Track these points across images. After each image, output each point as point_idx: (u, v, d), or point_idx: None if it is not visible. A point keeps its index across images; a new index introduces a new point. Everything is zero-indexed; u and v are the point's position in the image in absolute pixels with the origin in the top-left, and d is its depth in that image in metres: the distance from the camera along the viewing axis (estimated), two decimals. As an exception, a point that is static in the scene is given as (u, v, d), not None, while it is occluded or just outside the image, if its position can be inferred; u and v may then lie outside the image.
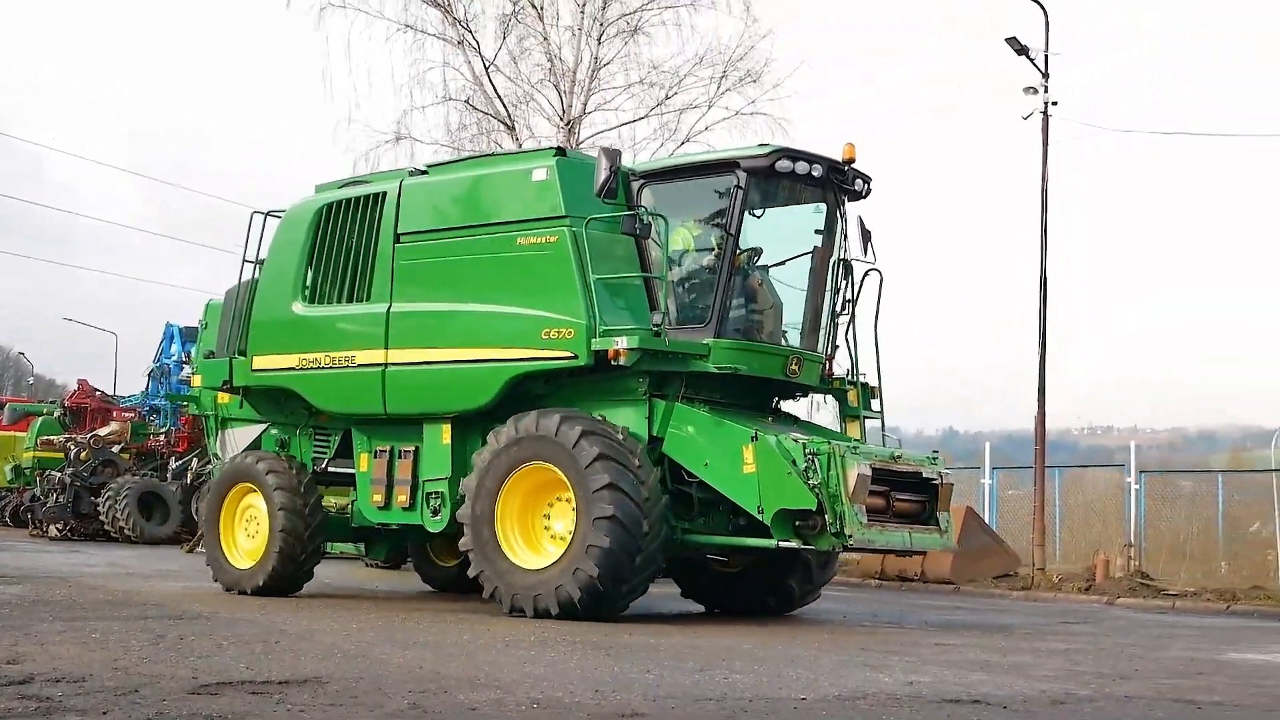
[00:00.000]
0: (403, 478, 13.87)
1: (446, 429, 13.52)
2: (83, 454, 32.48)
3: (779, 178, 12.99)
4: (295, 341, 14.50)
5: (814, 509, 11.61)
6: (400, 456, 13.92)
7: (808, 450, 11.73)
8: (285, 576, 14.34)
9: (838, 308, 13.84)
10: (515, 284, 12.93)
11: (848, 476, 11.69)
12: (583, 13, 28.40)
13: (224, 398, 16.09)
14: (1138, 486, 23.31)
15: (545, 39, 28.63)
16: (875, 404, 14.15)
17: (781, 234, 13.47)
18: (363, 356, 13.87)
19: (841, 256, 13.70)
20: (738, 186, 12.79)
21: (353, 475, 14.65)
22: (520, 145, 28.46)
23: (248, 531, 14.84)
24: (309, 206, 14.99)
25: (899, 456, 12.89)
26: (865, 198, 13.61)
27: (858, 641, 11.15)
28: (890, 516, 12.38)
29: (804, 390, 14.07)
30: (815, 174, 12.94)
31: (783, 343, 13.47)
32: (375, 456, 14.17)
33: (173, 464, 32.74)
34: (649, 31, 28.60)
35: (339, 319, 14.30)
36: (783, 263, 13.53)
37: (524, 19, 28.66)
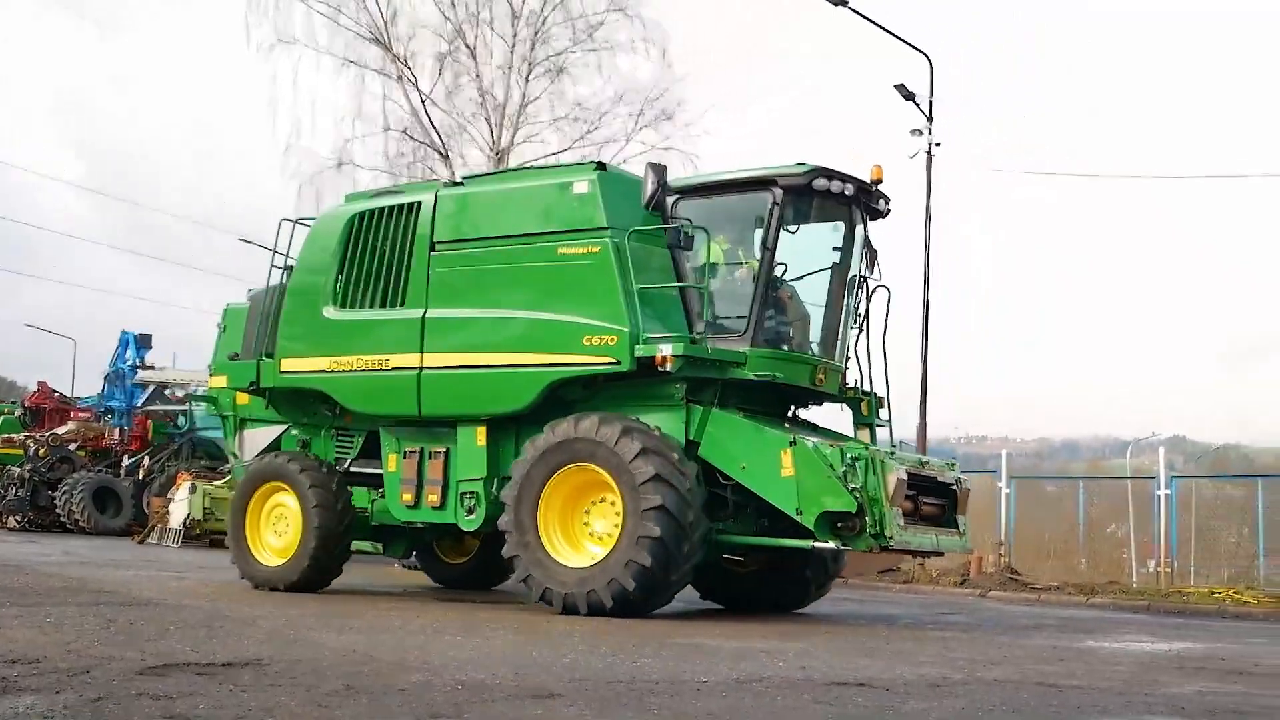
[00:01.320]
0: (434, 478, 13.32)
1: (482, 431, 13.04)
2: (41, 451, 32.14)
3: (814, 195, 12.57)
4: (326, 345, 13.91)
5: (853, 511, 11.23)
6: (431, 457, 13.36)
7: (849, 455, 11.38)
8: (319, 573, 13.76)
9: (853, 321, 13.38)
10: (555, 292, 12.49)
11: (887, 481, 11.39)
12: (513, 53, 28.55)
13: (243, 399, 15.47)
14: (1008, 491, 23.53)
15: (478, 76, 28.74)
16: (883, 413, 13.61)
17: (795, 250, 12.83)
18: (396, 360, 13.33)
19: (861, 273, 13.26)
20: (774, 203, 12.38)
21: (375, 475, 14.14)
22: (453, 173, 28.51)
23: (276, 530, 14.11)
24: (341, 214, 14.49)
25: (926, 462, 12.66)
26: (885, 217, 13.27)
27: (756, 631, 11.17)
28: (918, 519, 12.03)
29: (820, 399, 13.59)
30: (847, 193, 12.58)
31: (810, 353, 13.04)
32: (405, 457, 13.59)
33: (126, 461, 32.40)
34: (573, 72, 28.88)
35: (372, 323, 13.71)
36: (801, 277, 12.97)
37: (459, 57, 28.77)
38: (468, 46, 28.74)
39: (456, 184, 14.09)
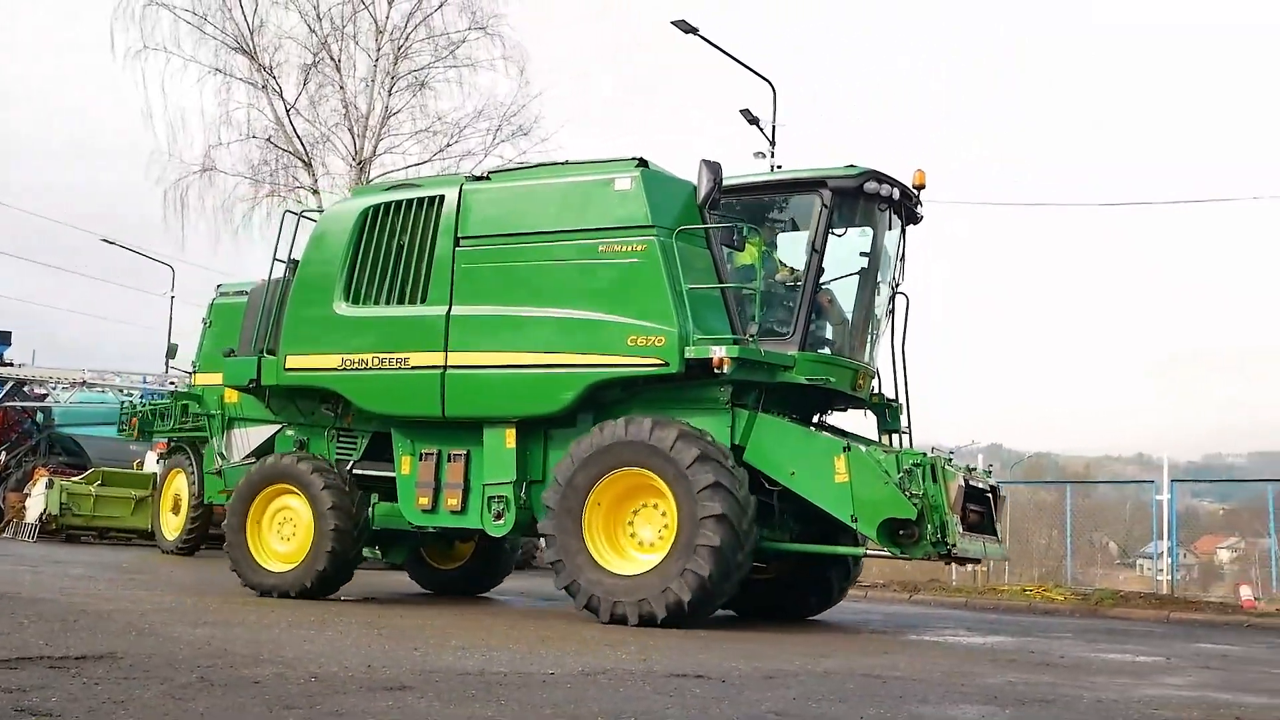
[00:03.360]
0: (453, 481, 12.35)
1: (511, 433, 12.04)
2: (-104, 446, 30.84)
3: (864, 199, 11.97)
4: (337, 342, 12.74)
5: (913, 519, 10.66)
6: (450, 460, 12.42)
7: (909, 461, 10.80)
8: (333, 578, 12.74)
9: (884, 327, 12.80)
10: (595, 290, 11.57)
11: (949, 488, 10.83)
12: (376, 67, 28.41)
13: (232, 397, 14.34)
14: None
15: (342, 88, 28.52)
16: (903, 419, 12.97)
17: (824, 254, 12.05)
18: (418, 358, 12.25)
19: (896, 278, 12.71)
20: (823, 205, 11.79)
21: (379, 478, 13.16)
22: (316, 181, 28.25)
23: (281, 534, 12.97)
24: (352, 207, 13.30)
25: (973, 469, 12.00)
26: (919, 222, 12.72)
27: (600, 626, 11.17)
28: (966, 527, 11.29)
29: (848, 404, 12.85)
30: (895, 197, 12.03)
31: (851, 357, 12.39)
32: (421, 459, 12.59)
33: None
34: (435, 87, 28.84)
35: (390, 320, 12.57)
36: (829, 281, 12.19)
37: (323, 69, 28.54)
38: (332, 59, 28.51)
39: (479, 178, 12.97)
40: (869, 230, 12.32)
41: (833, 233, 11.95)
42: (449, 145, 28.79)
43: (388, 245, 12.77)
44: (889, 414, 12.92)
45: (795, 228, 11.83)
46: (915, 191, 12.29)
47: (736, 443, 11.36)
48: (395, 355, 12.38)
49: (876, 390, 12.93)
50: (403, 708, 5.56)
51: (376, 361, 12.48)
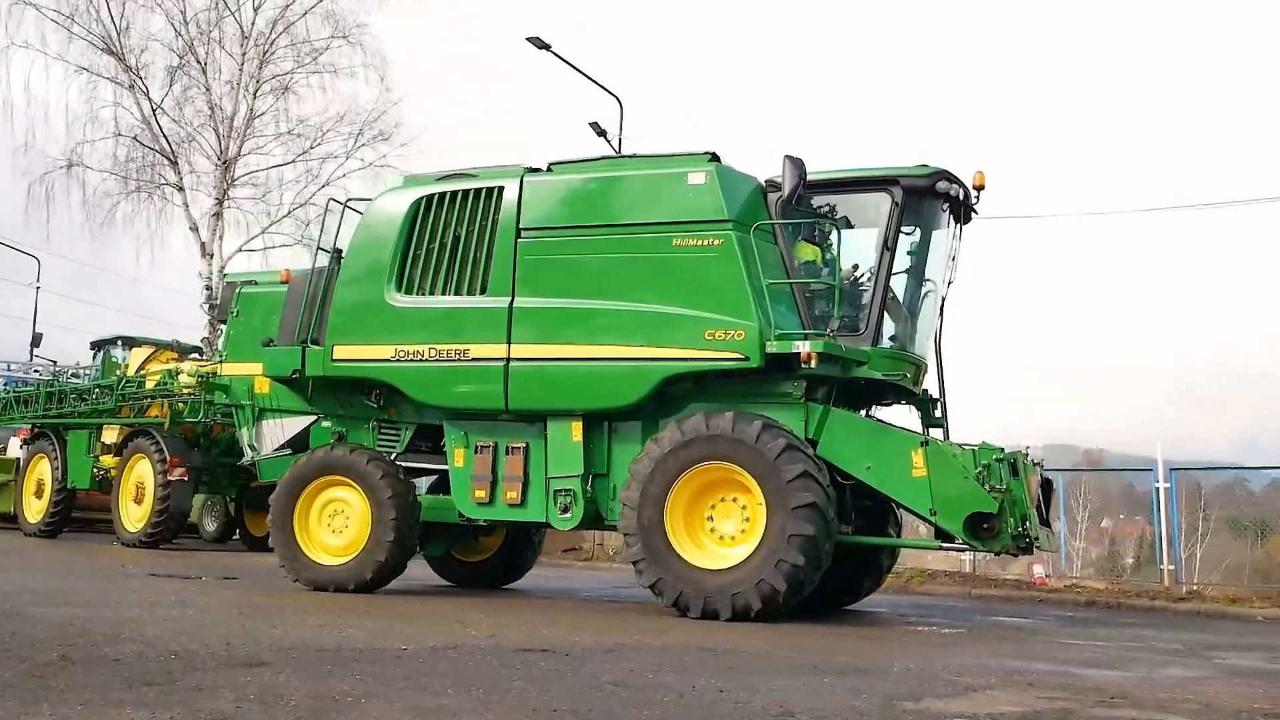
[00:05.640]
0: (513, 474, 11.60)
1: (578, 426, 11.35)
2: None
3: (934, 198, 11.40)
4: (390, 332, 11.90)
5: (994, 512, 10.20)
6: (508, 453, 11.67)
7: (991, 455, 10.32)
8: (392, 570, 11.87)
9: (938, 323, 12.17)
10: (668, 284, 10.93)
11: (1030, 483, 10.51)
12: (241, 70, 27.96)
13: (262, 386, 13.24)
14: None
15: (208, 90, 28.03)
16: (936, 413, 12.36)
17: (861, 246, 11.51)
18: (479, 350, 11.47)
19: (950, 277, 12.09)
20: (895, 203, 11.21)
21: (423, 470, 12.56)
22: (181, 179, 27.62)
23: (332, 527, 12.02)
24: (404, 196, 12.36)
25: (1039, 463, 11.43)
26: (969, 222, 12.07)
27: (450, 602, 11.12)
28: None
29: (895, 399, 12.25)
30: (962, 197, 11.54)
31: (912, 353, 11.78)
32: (477, 452, 11.82)
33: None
34: (298, 91, 28.55)
35: (448, 311, 11.75)
36: (860, 275, 11.53)
37: (189, 71, 28.05)
38: (198, 62, 27.97)
39: (538, 170, 12.04)
40: (931, 228, 11.85)
41: (903, 231, 11.44)
42: (312, 147, 28.49)
43: (443, 235, 12.02)
44: (929, 408, 12.41)
45: (849, 225, 11.18)
46: (976, 192, 11.76)
47: (810, 436, 10.88)
48: (454, 347, 11.63)
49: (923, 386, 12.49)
50: (260, 682, 5.47)
51: (433, 353, 11.71)
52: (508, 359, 11.38)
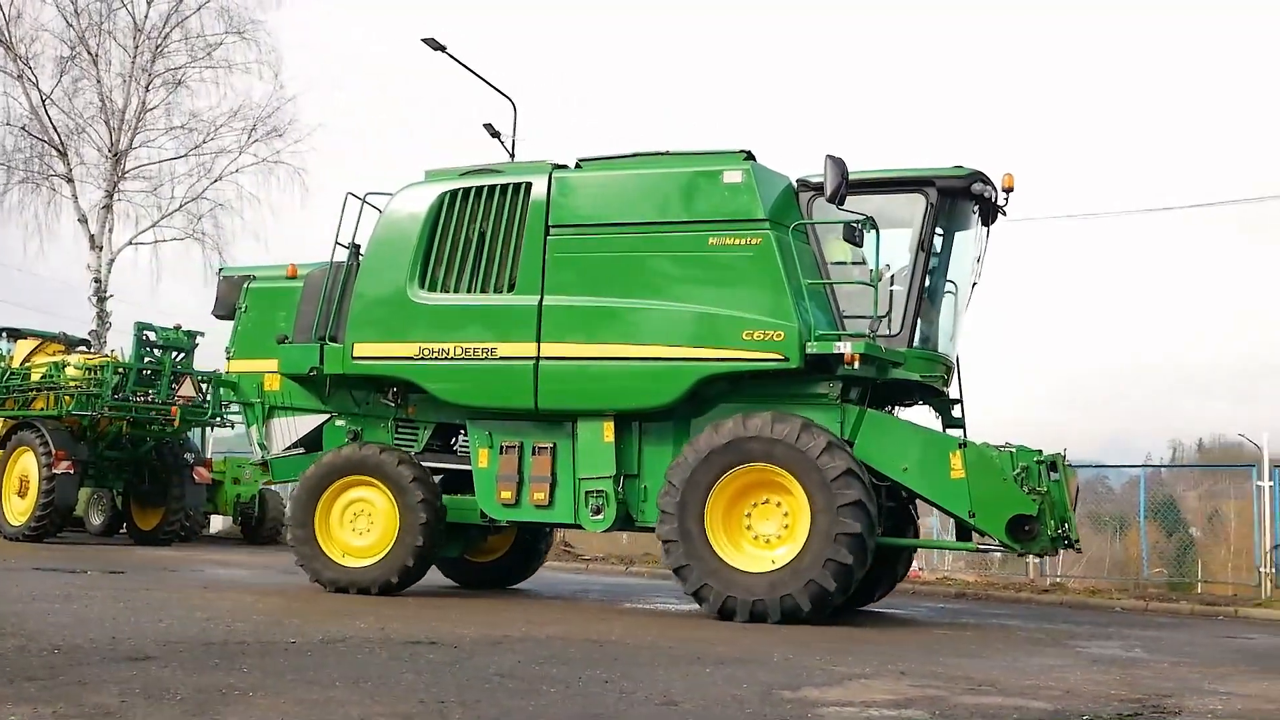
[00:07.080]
0: (540, 474, 11.14)
1: (609, 426, 10.89)
2: None
3: (968, 199, 11.07)
4: (413, 330, 11.36)
5: (1034, 514, 10.01)
6: (535, 453, 11.21)
7: (1031, 457, 10.10)
8: (416, 574, 11.38)
9: (962, 323, 11.86)
10: (703, 283, 10.56)
11: (1070, 485, 10.25)
12: (134, 63, 27.35)
13: (272, 384, 12.58)
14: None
15: (99, 81, 27.38)
16: (955, 413, 12.07)
17: (890, 247, 11.00)
18: (507, 349, 10.99)
19: (976, 278, 11.75)
20: (929, 204, 10.84)
21: (442, 470, 11.87)
22: (70, 170, 26.88)
23: (356, 528, 11.44)
24: (426, 191, 11.75)
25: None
26: (995, 224, 11.73)
27: (346, 599, 10.98)
28: None
29: (919, 399, 11.89)
30: (995, 199, 11.20)
31: (942, 354, 11.47)
32: (502, 453, 11.34)
33: None
34: (191, 85, 28.04)
35: (475, 309, 11.27)
36: (877, 274, 10.84)
37: (80, 62, 27.36)
38: (90, 53, 27.24)
39: (566, 166, 11.53)
40: (961, 229, 11.52)
41: (936, 232, 11.10)
42: (204, 142, 27.97)
43: (468, 231, 11.52)
44: (949, 408, 12.11)
45: (874, 225, 10.48)
46: (1005, 194, 11.40)
47: (846, 437, 10.52)
48: (481, 345, 11.14)
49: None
50: (145, 676, 5.35)
51: (459, 351, 11.20)
52: (537, 358, 10.96)
